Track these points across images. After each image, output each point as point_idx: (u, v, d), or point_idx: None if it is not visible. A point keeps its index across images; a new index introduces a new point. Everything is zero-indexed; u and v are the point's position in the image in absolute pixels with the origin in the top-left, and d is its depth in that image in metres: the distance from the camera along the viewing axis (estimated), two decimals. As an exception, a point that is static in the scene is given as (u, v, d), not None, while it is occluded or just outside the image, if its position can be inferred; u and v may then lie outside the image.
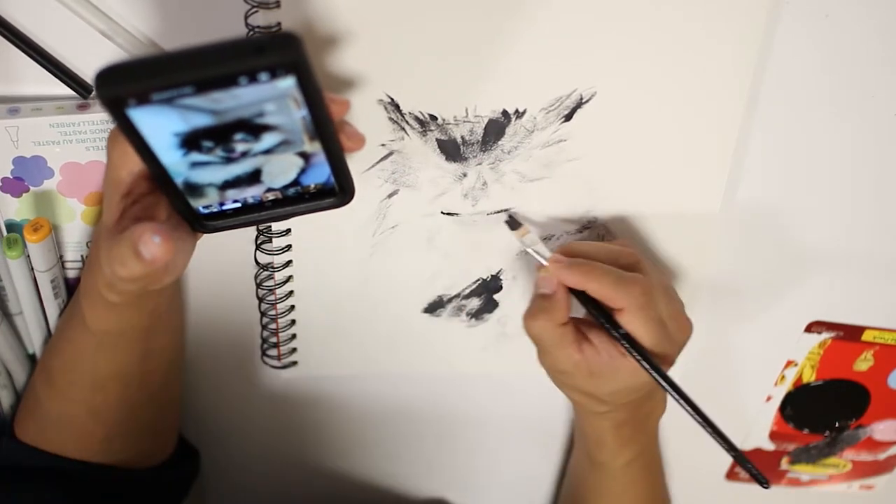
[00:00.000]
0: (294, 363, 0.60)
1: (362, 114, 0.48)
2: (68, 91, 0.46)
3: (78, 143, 0.47)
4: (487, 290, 0.57)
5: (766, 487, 0.50)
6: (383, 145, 0.49)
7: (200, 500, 0.69)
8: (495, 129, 0.49)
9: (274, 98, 0.34)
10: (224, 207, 0.41)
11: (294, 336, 0.59)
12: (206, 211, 0.41)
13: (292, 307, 0.57)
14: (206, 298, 0.57)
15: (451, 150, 0.50)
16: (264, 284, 0.55)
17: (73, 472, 0.52)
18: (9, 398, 0.57)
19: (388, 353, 0.60)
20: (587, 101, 0.49)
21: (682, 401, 0.48)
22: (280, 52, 0.32)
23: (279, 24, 0.44)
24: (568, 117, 0.49)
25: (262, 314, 0.57)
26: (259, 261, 0.54)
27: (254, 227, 0.52)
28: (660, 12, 0.46)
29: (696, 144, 0.51)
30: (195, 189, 0.39)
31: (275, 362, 0.60)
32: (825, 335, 0.63)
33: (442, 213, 0.53)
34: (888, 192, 0.56)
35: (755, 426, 0.70)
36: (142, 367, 0.50)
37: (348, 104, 0.41)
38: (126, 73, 0.32)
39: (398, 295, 0.57)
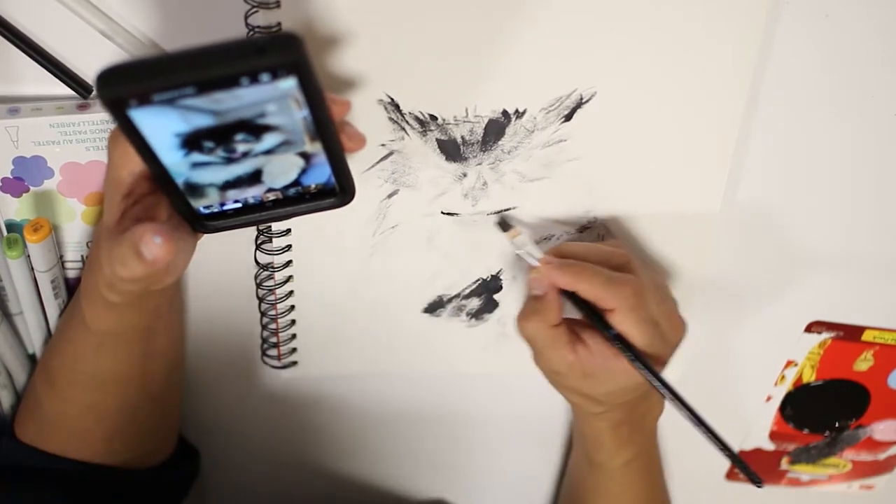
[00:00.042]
0: (294, 363, 0.60)
1: (362, 114, 0.48)
2: (68, 91, 0.46)
3: (78, 143, 0.47)
4: (487, 290, 0.57)
5: (760, 486, 0.50)
6: (383, 145, 0.49)
7: (200, 500, 0.69)
8: (495, 129, 0.49)
9: (275, 98, 0.34)
10: (225, 208, 0.41)
11: (294, 336, 0.59)
12: (207, 211, 0.41)
13: (292, 307, 0.57)
14: (207, 298, 0.57)
15: (451, 150, 0.50)
16: (264, 284, 0.55)
17: (73, 473, 0.52)
18: (9, 398, 0.57)
19: (388, 354, 0.60)
20: (587, 101, 0.49)
21: (675, 400, 0.48)
22: (281, 52, 0.32)
23: (279, 24, 0.44)
24: (568, 117, 0.49)
25: (262, 314, 0.57)
26: (259, 261, 0.54)
27: (254, 227, 0.52)
28: (660, 12, 0.46)
29: (696, 144, 0.51)
30: (196, 189, 0.39)
31: (275, 362, 0.60)
32: (825, 335, 0.63)
33: (442, 213, 0.53)
34: (888, 192, 0.56)
35: (755, 426, 0.70)
36: (142, 367, 0.50)
37: (349, 104, 0.41)
38: (127, 73, 0.32)
39: (398, 295, 0.57)
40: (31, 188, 0.49)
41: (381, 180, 0.51)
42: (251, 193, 0.40)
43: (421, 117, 0.48)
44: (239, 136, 0.36)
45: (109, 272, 0.39)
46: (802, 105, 0.51)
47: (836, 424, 0.70)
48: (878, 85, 0.51)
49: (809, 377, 0.66)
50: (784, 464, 0.73)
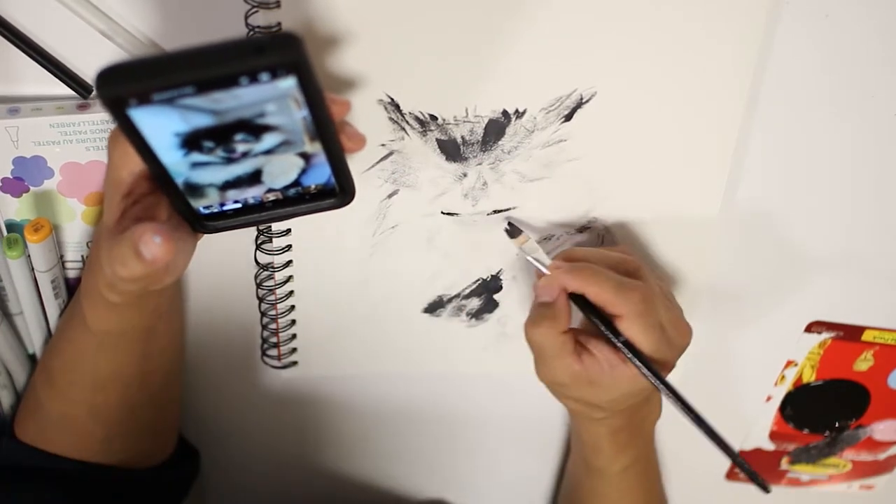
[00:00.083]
0: (294, 363, 0.60)
1: (362, 114, 0.48)
2: (68, 91, 0.46)
3: (78, 143, 0.47)
4: (487, 290, 0.57)
5: (767, 492, 0.50)
6: (383, 145, 0.49)
7: (200, 500, 0.69)
8: (495, 129, 0.49)
9: (275, 98, 0.34)
10: (225, 208, 0.41)
11: (294, 336, 0.59)
12: (207, 211, 0.41)
13: (292, 307, 0.57)
14: (207, 298, 0.57)
15: (452, 150, 0.50)
16: (264, 284, 0.55)
17: (73, 472, 0.52)
18: (9, 398, 0.57)
19: (388, 353, 0.60)
20: (587, 102, 0.49)
21: (683, 408, 0.48)
22: (281, 52, 0.32)
23: (279, 24, 0.44)
24: (568, 117, 0.49)
25: (263, 314, 0.57)
26: (259, 261, 0.54)
27: (254, 228, 0.52)
28: (660, 12, 0.46)
29: (696, 144, 0.51)
30: (196, 189, 0.39)
31: (275, 362, 0.60)
32: (825, 335, 0.63)
33: (442, 213, 0.53)
34: (888, 193, 0.56)
35: (755, 426, 0.70)
36: (142, 367, 0.50)
37: (349, 105, 0.41)
38: (127, 73, 0.32)
39: (398, 295, 0.57)
40: (31, 188, 0.49)
41: (381, 180, 0.51)
42: (251, 194, 0.40)
43: (421, 117, 0.48)
44: (238, 136, 0.36)
45: (109, 272, 0.39)
46: (802, 105, 0.51)
47: (836, 424, 0.70)
48: (878, 85, 0.51)
49: (809, 377, 0.66)
50: (784, 464, 0.73)
